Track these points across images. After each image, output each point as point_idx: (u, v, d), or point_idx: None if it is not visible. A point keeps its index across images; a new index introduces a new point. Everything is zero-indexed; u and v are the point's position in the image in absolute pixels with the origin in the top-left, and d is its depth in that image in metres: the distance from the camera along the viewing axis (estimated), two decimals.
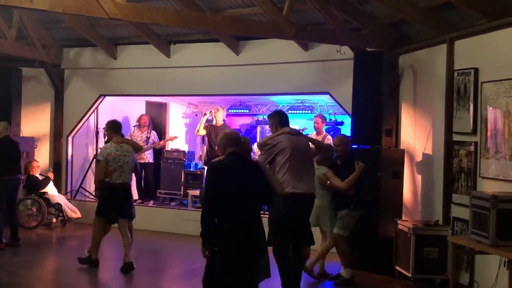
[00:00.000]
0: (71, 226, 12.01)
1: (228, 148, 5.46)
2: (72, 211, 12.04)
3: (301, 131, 9.59)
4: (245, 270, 5.30)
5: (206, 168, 11.66)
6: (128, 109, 14.11)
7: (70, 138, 13.53)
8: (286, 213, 6.84)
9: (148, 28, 11.90)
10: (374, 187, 8.93)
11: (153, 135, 13.07)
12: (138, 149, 9.27)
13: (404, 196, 9.37)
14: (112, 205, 8.66)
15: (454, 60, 8.28)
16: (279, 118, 7.27)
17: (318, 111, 13.09)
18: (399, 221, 8.61)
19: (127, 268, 8.58)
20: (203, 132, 12.20)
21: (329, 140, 11.58)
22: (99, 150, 11.62)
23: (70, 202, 12.36)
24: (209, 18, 9.72)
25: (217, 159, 5.81)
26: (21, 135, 12.48)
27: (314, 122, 11.63)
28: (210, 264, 5.29)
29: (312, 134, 11.66)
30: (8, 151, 9.93)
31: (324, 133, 11.71)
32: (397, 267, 8.53)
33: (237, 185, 5.24)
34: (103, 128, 12.56)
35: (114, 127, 8.97)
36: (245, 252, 5.25)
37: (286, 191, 6.68)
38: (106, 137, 9.31)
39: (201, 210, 5.51)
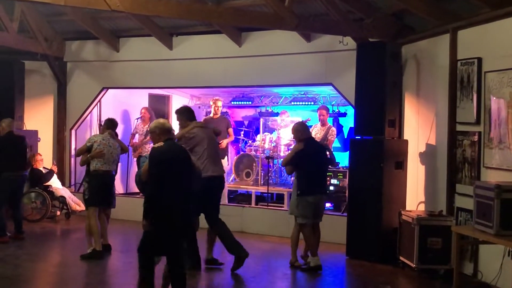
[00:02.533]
0: (75, 219, 12.03)
1: (162, 136, 6.17)
2: (76, 204, 12.06)
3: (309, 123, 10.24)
4: (175, 244, 6.09)
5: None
6: (130, 101, 14.10)
7: (73, 131, 13.54)
8: (210, 190, 8.04)
9: (150, 20, 11.88)
10: (377, 178, 8.92)
11: None
12: (124, 149, 9.66)
13: (407, 186, 9.36)
14: (101, 192, 8.97)
15: (457, 50, 8.26)
16: (188, 114, 8.34)
17: (321, 102, 13.06)
18: (403, 212, 8.61)
19: (108, 249, 9.15)
20: None
21: (334, 132, 11.57)
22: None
23: (74, 195, 12.37)
24: (211, 10, 9.70)
25: (156, 145, 6.24)
26: (24, 129, 12.47)
27: (319, 114, 11.59)
28: (146, 236, 6.06)
29: (317, 125, 11.64)
30: (10, 148, 9.92)
31: (329, 125, 11.68)
32: (401, 258, 8.54)
33: (174, 169, 6.03)
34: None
35: (109, 124, 9.34)
36: (177, 227, 6.06)
37: (208, 174, 7.92)
38: (100, 132, 9.57)
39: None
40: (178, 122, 8.46)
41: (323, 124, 11.54)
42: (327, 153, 9.01)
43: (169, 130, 6.31)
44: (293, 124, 9.35)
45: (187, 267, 6.79)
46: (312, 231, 8.51)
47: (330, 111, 12.77)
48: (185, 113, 8.41)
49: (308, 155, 8.46)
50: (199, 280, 7.95)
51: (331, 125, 11.88)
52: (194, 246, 8.07)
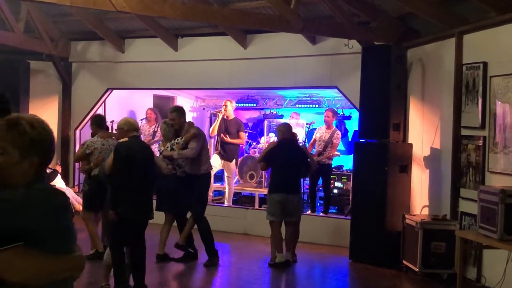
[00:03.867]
0: (79, 219, 11.97)
1: (129, 132, 6.74)
2: (79, 204, 12.03)
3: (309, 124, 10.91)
4: (138, 234, 6.79)
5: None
6: (135, 102, 14.13)
7: (77, 132, 13.57)
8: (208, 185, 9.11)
9: (156, 22, 11.89)
10: (381, 182, 8.91)
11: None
12: None
13: (411, 190, 9.35)
14: (99, 197, 8.82)
15: (463, 54, 8.25)
16: (182, 116, 8.93)
17: (326, 105, 13.06)
18: (406, 216, 8.59)
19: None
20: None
21: (339, 135, 11.55)
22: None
23: (77, 195, 12.38)
24: (216, 11, 9.71)
25: (122, 140, 6.79)
26: None
27: (325, 116, 11.56)
28: (115, 225, 6.65)
29: (322, 128, 11.62)
30: None
31: (334, 127, 11.65)
32: (404, 262, 8.52)
33: (138, 164, 6.58)
34: (111, 122, 12.62)
35: (98, 122, 9.21)
36: (139, 219, 6.75)
37: (207, 170, 8.79)
38: (91, 131, 9.46)
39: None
40: (171, 120, 8.84)
41: (328, 126, 11.50)
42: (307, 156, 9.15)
43: (137, 128, 6.96)
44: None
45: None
46: (279, 229, 8.75)
47: None
48: (183, 114, 9.00)
49: (280, 154, 8.80)
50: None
51: (336, 128, 11.86)
52: (208, 241, 8.63)
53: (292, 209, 8.79)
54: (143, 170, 6.68)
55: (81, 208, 11.89)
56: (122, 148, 6.66)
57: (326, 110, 11.74)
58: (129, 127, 6.84)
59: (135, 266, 6.83)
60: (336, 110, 12.06)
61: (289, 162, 8.74)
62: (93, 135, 9.21)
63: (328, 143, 11.26)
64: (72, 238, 2.49)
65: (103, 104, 13.60)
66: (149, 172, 6.83)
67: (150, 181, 6.91)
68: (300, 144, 8.93)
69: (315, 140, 11.54)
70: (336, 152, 11.52)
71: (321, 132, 11.50)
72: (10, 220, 2.26)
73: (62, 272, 2.41)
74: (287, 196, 8.70)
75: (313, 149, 11.46)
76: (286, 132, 8.97)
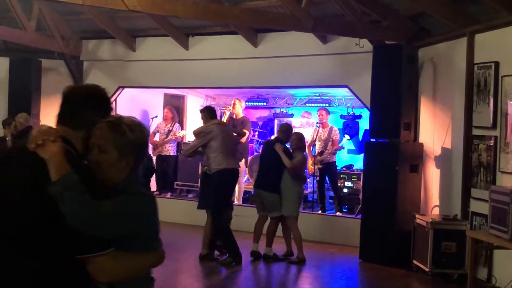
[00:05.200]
0: None
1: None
2: None
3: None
4: None
5: None
6: (146, 101, 14.16)
7: None
8: (224, 182, 8.84)
9: (167, 21, 11.91)
10: (392, 181, 8.89)
11: (175, 127, 13.09)
12: None
13: (422, 190, 9.33)
14: None
15: (474, 53, 8.22)
16: (209, 113, 9.13)
17: (336, 104, 13.07)
18: (417, 215, 8.58)
19: None
20: None
21: (337, 131, 11.61)
22: None
23: None
24: (227, 11, 9.72)
25: None
26: None
27: (318, 116, 11.67)
28: None
29: (318, 128, 11.68)
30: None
31: (329, 125, 11.71)
32: (414, 261, 8.50)
33: None
34: None
35: None
36: None
37: (221, 167, 8.69)
38: None
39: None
40: (202, 120, 9.20)
41: (323, 125, 11.58)
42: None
43: None
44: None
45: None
46: (260, 223, 9.20)
47: (345, 113, 12.78)
48: (207, 112, 9.22)
49: (262, 153, 9.73)
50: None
51: (333, 126, 11.92)
52: (230, 239, 8.74)
53: (269, 205, 9.06)
54: None
55: None
56: None
57: (319, 110, 11.92)
58: None
59: None
60: (327, 109, 12.15)
61: (266, 161, 9.26)
62: None
63: (328, 141, 11.35)
64: (157, 235, 2.68)
65: (114, 103, 13.63)
66: None
67: None
68: (277, 144, 9.03)
69: (313, 141, 11.61)
70: (338, 146, 11.64)
71: (319, 133, 11.58)
72: (117, 224, 2.44)
73: (146, 269, 2.63)
74: (261, 192, 9.15)
75: (313, 150, 11.54)
76: (279, 133, 9.45)
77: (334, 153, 11.57)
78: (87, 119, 2.56)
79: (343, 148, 12.37)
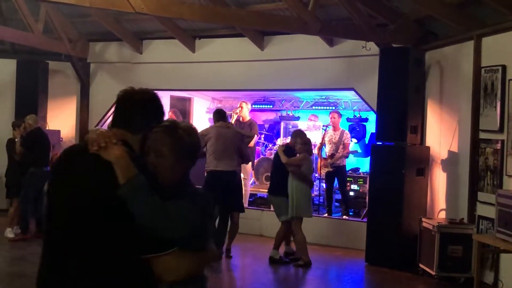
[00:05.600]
0: None
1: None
2: None
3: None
4: None
5: None
6: None
7: None
8: (206, 183, 8.95)
9: (174, 23, 11.93)
10: (398, 184, 8.87)
11: None
12: None
13: (428, 193, 9.31)
14: None
15: (481, 57, 8.20)
16: (216, 115, 9.49)
17: (343, 107, 13.05)
18: (423, 219, 8.56)
19: None
20: None
21: (348, 135, 11.57)
22: None
23: None
24: (234, 13, 9.73)
25: (72, 145, 7.83)
26: (47, 128, 12.59)
27: (331, 118, 11.62)
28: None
29: (328, 131, 11.66)
30: (39, 143, 10.04)
31: (341, 128, 11.68)
32: (420, 265, 8.48)
33: None
34: None
35: None
36: None
37: (209, 169, 8.99)
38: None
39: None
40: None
41: (334, 128, 11.54)
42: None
43: None
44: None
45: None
46: (282, 228, 9.11)
47: (351, 116, 12.76)
48: (213, 115, 9.65)
49: (273, 160, 9.80)
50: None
51: (344, 129, 11.89)
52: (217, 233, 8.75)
53: (276, 208, 9.27)
54: None
55: None
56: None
57: (331, 113, 11.80)
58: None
59: None
60: (339, 111, 12.11)
61: (274, 167, 9.43)
62: None
63: (339, 144, 11.32)
64: (210, 235, 2.81)
65: None
66: None
67: None
68: (278, 146, 9.20)
69: (323, 143, 11.59)
70: (351, 150, 11.60)
71: (329, 135, 11.55)
72: (178, 225, 2.51)
73: (203, 267, 2.75)
74: (269, 196, 9.57)
75: (323, 152, 11.54)
76: (290, 139, 9.47)
77: (346, 157, 11.55)
78: (144, 123, 2.65)
79: (357, 152, 12.35)
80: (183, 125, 2.75)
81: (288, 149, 9.02)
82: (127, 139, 2.61)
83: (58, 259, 2.50)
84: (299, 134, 9.20)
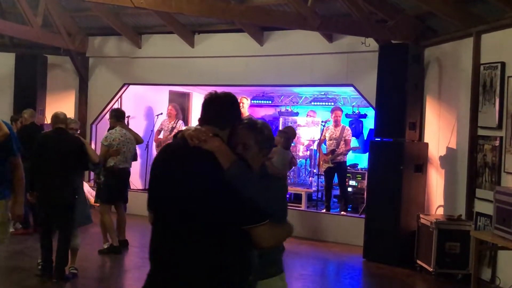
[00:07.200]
0: (94, 213, 12.04)
1: (55, 124, 7.46)
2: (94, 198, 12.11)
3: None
4: (58, 209, 7.28)
5: None
6: (151, 98, 14.17)
7: (94, 126, 13.64)
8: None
9: (173, 18, 11.91)
10: (396, 181, 8.88)
11: (179, 124, 13.09)
12: (138, 141, 9.67)
13: (427, 190, 9.32)
14: (117, 190, 9.07)
15: (481, 53, 8.20)
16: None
17: (342, 103, 13.06)
18: (421, 215, 8.57)
19: (125, 245, 9.23)
20: None
21: (349, 131, 11.57)
22: None
23: (93, 189, 12.44)
24: (234, 8, 9.72)
25: (45, 131, 7.65)
26: (45, 123, 12.57)
27: (335, 115, 11.55)
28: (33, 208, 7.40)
29: (329, 127, 11.65)
30: (32, 139, 10.00)
31: (342, 125, 11.68)
32: (418, 261, 8.50)
33: (55, 152, 7.22)
34: (127, 117, 12.67)
35: (118, 115, 9.33)
36: (53, 199, 7.23)
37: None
38: (110, 125, 9.58)
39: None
40: None
41: (336, 124, 11.54)
42: None
43: (63, 120, 7.55)
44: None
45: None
46: None
47: (350, 112, 12.78)
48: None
49: None
50: None
51: (345, 125, 11.89)
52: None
53: None
54: (59, 160, 7.23)
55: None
56: (40, 138, 7.63)
57: (335, 110, 11.71)
58: (55, 119, 7.52)
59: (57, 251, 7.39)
60: (341, 108, 12.12)
61: None
62: (111, 128, 9.31)
63: (340, 140, 11.31)
64: (287, 211, 3.37)
65: (119, 99, 13.66)
66: (69, 161, 7.34)
67: (69, 170, 7.37)
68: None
69: (323, 139, 11.59)
70: (354, 146, 11.58)
71: (330, 131, 11.53)
72: (267, 202, 2.95)
73: (286, 238, 3.18)
74: None
75: (324, 147, 11.54)
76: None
77: (347, 153, 11.54)
78: (230, 121, 3.13)
79: (359, 148, 12.36)
80: (259, 121, 3.30)
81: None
82: (218, 134, 3.05)
83: (172, 235, 2.98)
84: (282, 130, 9.26)
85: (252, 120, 3.30)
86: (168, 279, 2.96)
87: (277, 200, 3.20)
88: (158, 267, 3.03)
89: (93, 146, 13.45)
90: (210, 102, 3.17)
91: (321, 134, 11.85)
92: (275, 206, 3.10)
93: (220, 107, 3.15)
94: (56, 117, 7.55)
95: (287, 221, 3.26)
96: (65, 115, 7.71)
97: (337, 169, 11.34)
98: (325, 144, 11.65)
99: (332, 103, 13.14)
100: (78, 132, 8.72)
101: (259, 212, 2.91)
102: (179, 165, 3.02)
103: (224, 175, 2.88)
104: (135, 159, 9.65)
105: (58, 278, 7.25)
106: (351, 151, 11.92)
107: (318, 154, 11.82)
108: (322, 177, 11.84)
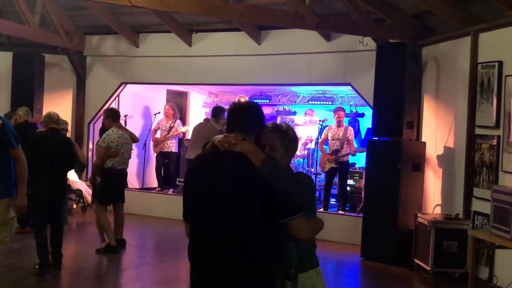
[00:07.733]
0: (91, 212, 12.06)
1: (48, 124, 7.68)
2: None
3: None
4: (52, 206, 7.56)
5: None
6: (149, 97, 14.16)
7: (91, 125, 13.62)
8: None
9: (170, 17, 11.90)
10: (394, 180, 8.88)
11: (177, 124, 13.09)
12: (134, 140, 9.61)
13: (424, 189, 9.32)
14: (114, 191, 9.04)
15: (478, 52, 8.20)
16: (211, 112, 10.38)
17: (339, 102, 13.04)
18: (419, 214, 8.57)
19: (122, 244, 9.17)
20: None
21: (351, 131, 11.53)
22: None
23: (90, 188, 12.42)
24: (231, 7, 9.71)
25: (39, 130, 8.07)
26: (41, 121, 12.55)
27: (338, 116, 11.43)
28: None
29: (331, 126, 11.61)
30: (25, 136, 9.97)
31: (345, 125, 11.63)
32: (416, 260, 8.50)
33: (49, 151, 7.48)
34: (124, 116, 12.65)
35: (114, 115, 9.25)
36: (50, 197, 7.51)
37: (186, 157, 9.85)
38: (104, 125, 9.55)
39: None
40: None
41: (339, 125, 11.49)
42: None
43: (56, 120, 7.76)
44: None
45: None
46: None
47: (348, 112, 12.77)
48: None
49: None
50: None
51: (348, 125, 11.85)
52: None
53: None
54: (53, 159, 7.51)
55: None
56: (35, 138, 7.73)
57: (338, 111, 11.62)
58: (48, 119, 7.73)
59: (52, 231, 7.71)
60: (344, 108, 12.08)
61: None
62: (106, 128, 9.24)
63: (344, 140, 11.26)
64: (315, 206, 3.66)
65: (116, 98, 13.65)
66: (60, 159, 7.65)
67: (61, 168, 7.75)
68: None
69: (325, 139, 11.55)
70: (354, 147, 11.52)
71: (332, 131, 11.48)
72: (300, 196, 3.11)
73: (318, 231, 3.34)
74: None
75: (326, 148, 11.50)
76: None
77: (353, 155, 11.46)
78: (256, 127, 3.34)
79: (365, 150, 12.30)
80: (284, 124, 3.56)
81: None
82: (246, 139, 3.22)
83: (213, 231, 3.14)
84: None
85: (277, 124, 3.54)
86: (214, 280, 3.14)
87: (307, 195, 3.42)
88: (203, 271, 3.23)
89: (90, 146, 13.47)
90: (236, 111, 3.38)
91: (322, 133, 11.78)
92: (307, 201, 3.29)
93: (246, 115, 3.35)
94: (50, 117, 7.75)
95: (317, 216, 3.46)
96: (58, 115, 7.86)
97: (340, 169, 11.31)
98: (326, 144, 11.60)
99: (330, 102, 13.13)
100: (68, 132, 8.75)
101: (295, 205, 3.06)
102: (215, 171, 3.20)
103: (258, 173, 3.05)
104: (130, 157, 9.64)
105: (55, 267, 7.59)
106: (357, 154, 11.88)
107: (319, 153, 11.77)
108: (320, 176, 11.82)
